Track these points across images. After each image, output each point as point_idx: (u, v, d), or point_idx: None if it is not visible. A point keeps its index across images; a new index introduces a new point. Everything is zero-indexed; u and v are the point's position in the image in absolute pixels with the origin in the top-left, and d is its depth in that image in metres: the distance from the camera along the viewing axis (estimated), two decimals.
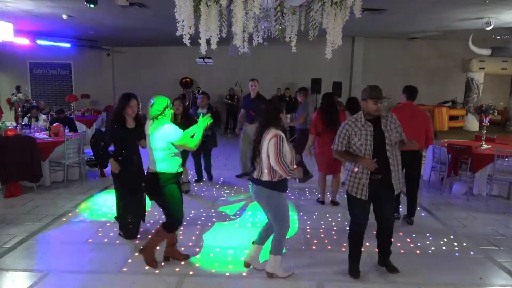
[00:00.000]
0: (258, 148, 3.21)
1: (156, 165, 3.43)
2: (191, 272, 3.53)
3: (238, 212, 5.17)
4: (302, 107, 6.63)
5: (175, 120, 5.37)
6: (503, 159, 5.68)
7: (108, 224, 4.63)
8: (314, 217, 5.03)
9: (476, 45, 10.49)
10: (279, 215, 3.31)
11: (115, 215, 4.44)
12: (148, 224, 4.56)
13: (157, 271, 3.53)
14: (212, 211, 5.20)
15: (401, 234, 4.35)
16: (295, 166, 3.24)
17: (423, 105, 12.24)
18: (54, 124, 6.90)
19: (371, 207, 3.45)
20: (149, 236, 3.82)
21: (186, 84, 14.68)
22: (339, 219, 4.95)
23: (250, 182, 3.39)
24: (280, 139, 3.11)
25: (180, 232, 4.42)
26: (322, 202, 5.55)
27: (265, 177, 3.19)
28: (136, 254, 3.76)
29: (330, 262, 3.74)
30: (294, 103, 12.68)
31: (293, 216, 5.03)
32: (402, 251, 4.05)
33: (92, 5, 6.81)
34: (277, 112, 3.25)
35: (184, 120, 5.42)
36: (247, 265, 3.60)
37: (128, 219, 4.18)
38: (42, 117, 8.51)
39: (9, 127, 6.37)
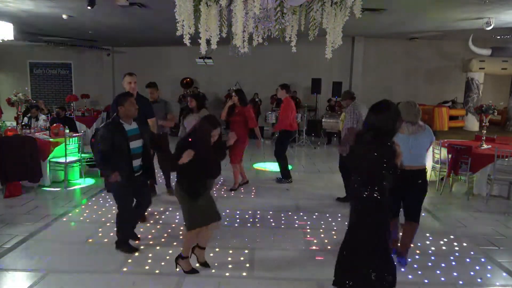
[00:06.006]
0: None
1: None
2: None
3: (238, 211, 5.17)
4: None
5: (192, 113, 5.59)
6: (503, 159, 5.68)
7: (108, 224, 4.63)
8: (314, 217, 5.03)
9: (476, 45, 10.50)
10: None
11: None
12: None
13: (157, 271, 3.53)
14: None
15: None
16: None
17: (423, 105, 12.25)
18: (54, 124, 6.90)
19: None
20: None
21: (186, 84, 14.70)
22: (339, 219, 4.95)
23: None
24: None
25: (180, 233, 4.43)
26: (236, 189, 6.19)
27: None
28: None
29: (330, 262, 3.74)
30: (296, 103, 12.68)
31: (293, 216, 5.06)
32: None
33: (89, 7, 6.85)
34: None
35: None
36: None
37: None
38: (42, 117, 8.50)
39: (9, 127, 6.37)
